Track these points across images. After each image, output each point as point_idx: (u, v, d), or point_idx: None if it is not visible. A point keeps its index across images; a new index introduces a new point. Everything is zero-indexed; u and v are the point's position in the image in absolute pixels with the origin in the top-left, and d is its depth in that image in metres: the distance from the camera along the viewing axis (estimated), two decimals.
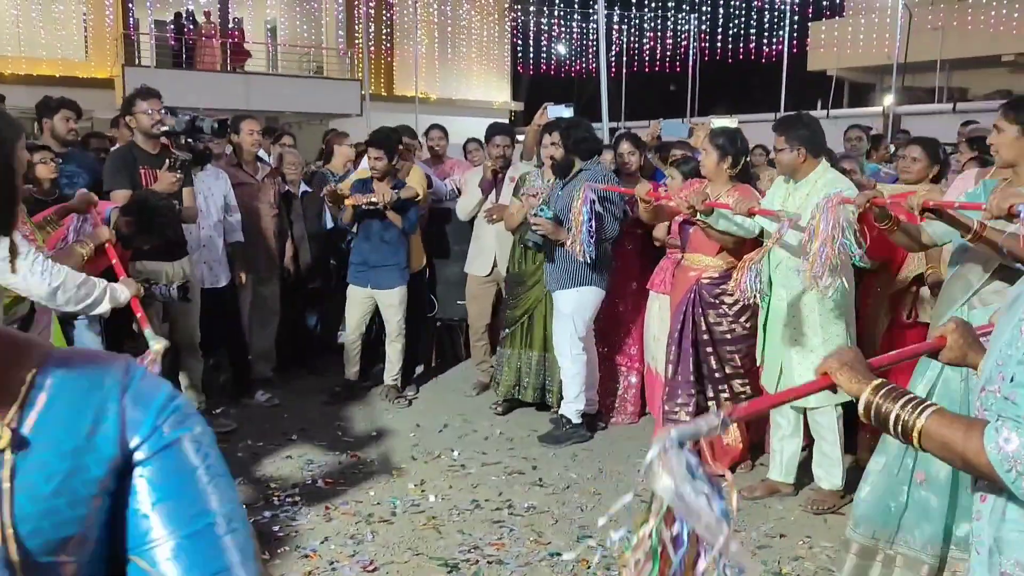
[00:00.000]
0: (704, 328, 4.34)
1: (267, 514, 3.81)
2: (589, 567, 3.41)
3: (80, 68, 17.48)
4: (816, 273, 3.30)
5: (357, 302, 5.48)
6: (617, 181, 4.83)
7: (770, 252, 3.80)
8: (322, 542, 3.57)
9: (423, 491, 4.14)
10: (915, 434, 1.39)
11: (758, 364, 4.14)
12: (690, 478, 1.12)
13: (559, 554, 3.49)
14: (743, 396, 4.33)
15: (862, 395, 1.46)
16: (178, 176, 4.32)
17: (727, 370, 4.36)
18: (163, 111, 4.42)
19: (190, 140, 4.45)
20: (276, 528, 3.69)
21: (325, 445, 4.71)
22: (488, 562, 3.43)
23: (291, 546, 3.53)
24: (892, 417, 1.42)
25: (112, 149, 5.29)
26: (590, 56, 22.57)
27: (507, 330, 5.26)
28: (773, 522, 3.84)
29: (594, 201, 4.46)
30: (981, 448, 1.31)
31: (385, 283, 5.36)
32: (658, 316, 4.85)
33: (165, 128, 4.38)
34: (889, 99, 19.56)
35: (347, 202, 5.20)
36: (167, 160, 4.34)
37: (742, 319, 4.31)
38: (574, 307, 4.77)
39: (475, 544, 3.58)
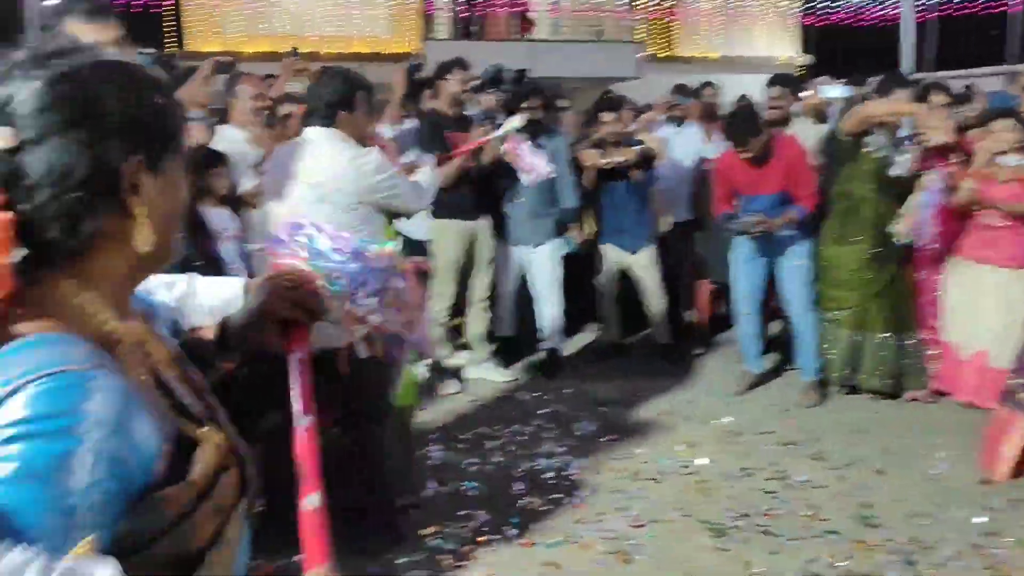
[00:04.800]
0: None
1: (541, 461, 4.00)
2: (866, 546, 3.20)
3: (384, 44, 19.07)
4: None
5: (609, 263, 5.51)
6: None
7: None
8: (590, 494, 3.68)
9: (693, 453, 4.11)
10: None
11: None
12: None
13: (837, 532, 3.31)
14: None
15: None
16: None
17: None
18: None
19: (493, 90, 4.69)
20: (549, 475, 3.85)
21: (598, 400, 4.83)
22: (759, 531, 3.34)
23: (561, 494, 3.68)
24: None
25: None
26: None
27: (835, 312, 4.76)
28: None
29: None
30: None
31: (633, 244, 5.35)
32: (993, 292, 4.39)
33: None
34: None
35: (591, 163, 5.18)
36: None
37: None
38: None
39: (744, 512, 3.50)
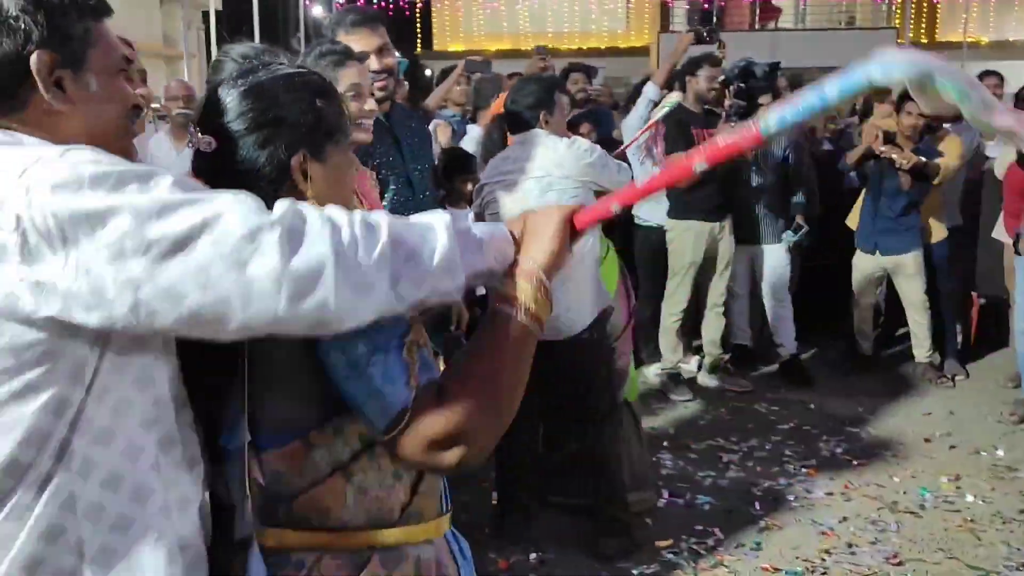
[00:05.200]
0: None
1: (782, 481, 3.76)
2: None
3: (621, 38, 19.02)
4: None
5: (866, 269, 5.06)
6: None
7: None
8: (840, 521, 3.40)
9: (958, 487, 3.69)
10: None
11: None
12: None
13: None
14: None
15: None
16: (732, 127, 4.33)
17: None
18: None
19: (742, 85, 4.49)
20: (791, 497, 3.61)
21: (844, 418, 4.48)
22: None
23: (806, 519, 3.43)
24: None
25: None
26: None
27: None
28: None
29: None
30: None
31: (896, 249, 4.87)
32: None
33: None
34: None
35: (885, 151, 4.74)
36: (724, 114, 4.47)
37: None
38: None
39: None
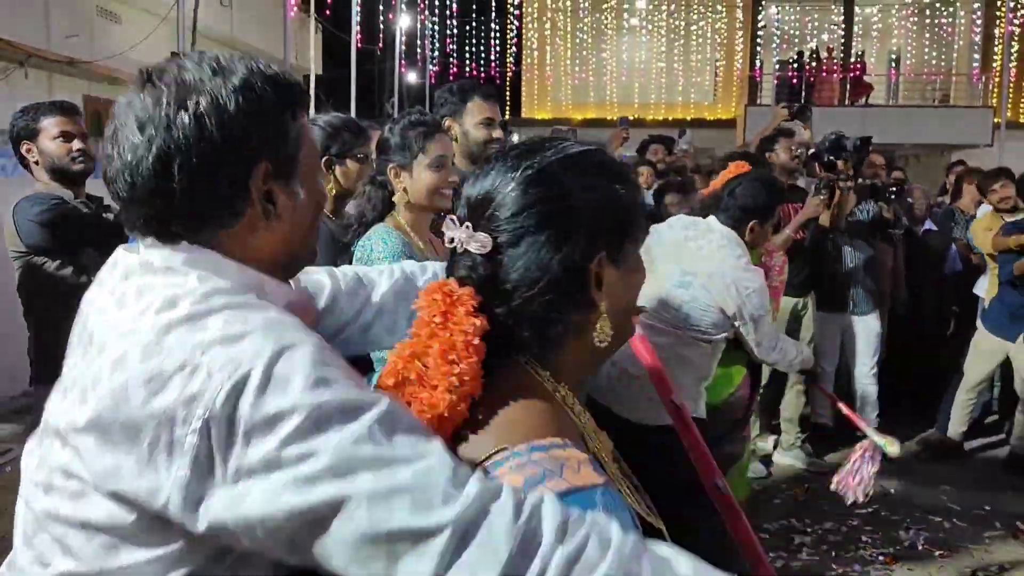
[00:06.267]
0: None
1: (857, 567, 3.63)
2: None
3: (708, 110, 19.14)
4: None
5: (988, 353, 4.90)
6: None
7: None
8: None
9: None
10: None
11: None
12: None
13: None
14: None
15: None
16: (822, 198, 4.29)
17: None
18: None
19: (831, 158, 4.48)
20: None
21: (927, 506, 4.31)
22: None
23: None
24: None
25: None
26: None
27: None
28: None
29: None
30: None
31: (1016, 332, 4.69)
32: None
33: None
34: None
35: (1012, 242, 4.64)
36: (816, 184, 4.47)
37: None
38: None
39: None
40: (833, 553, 3.78)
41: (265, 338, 0.82)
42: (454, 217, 0.94)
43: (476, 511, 0.75)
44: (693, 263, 2.78)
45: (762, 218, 2.85)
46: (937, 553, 3.80)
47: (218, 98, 0.89)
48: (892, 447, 2.66)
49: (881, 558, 3.73)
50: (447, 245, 0.94)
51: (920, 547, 3.86)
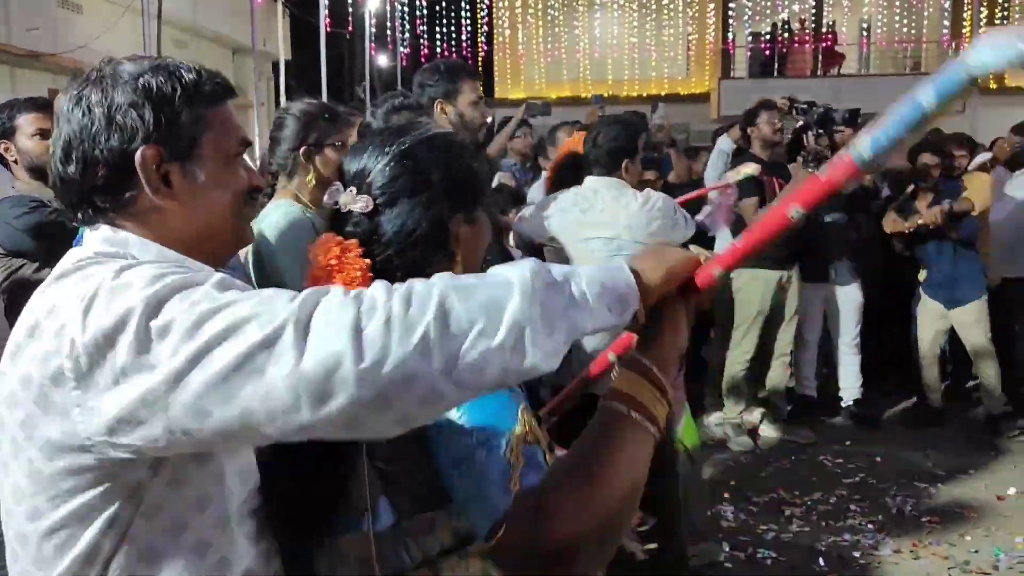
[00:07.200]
0: None
1: (848, 537, 3.66)
2: None
3: (681, 85, 19.12)
4: None
5: (931, 319, 4.95)
6: None
7: None
8: None
9: None
10: None
11: None
12: None
13: None
14: None
15: None
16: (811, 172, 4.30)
17: None
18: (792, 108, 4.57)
19: (821, 131, 4.46)
20: (857, 554, 3.51)
21: (912, 472, 4.35)
22: None
23: None
24: None
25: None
26: None
27: None
28: None
29: None
30: None
31: (957, 298, 4.78)
32: None
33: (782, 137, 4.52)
34: None
35: (891, 230, 4.73)
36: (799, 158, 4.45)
37: None
38: None
39: None
40: (823, 523, 3.80)
41: (109, 268, 0.93)
42: (339, 184, 1.14)
43: (312, 303, 0.84)
44: (607, 228, 2.88)
45: (631, 155, 2.98)
46: (924, 519, 3.83)
47: (106, 91, 1.01)
48: (748, 168, 3.05)
49: (870, 526, 3.76)
50: (330, 206, 1.14)
51: (907, 514, 3.90)
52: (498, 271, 0.90)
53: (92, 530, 0.94)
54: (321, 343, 0.81)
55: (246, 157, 1.15)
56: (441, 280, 0.87)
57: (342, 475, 1.06)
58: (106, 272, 0.93)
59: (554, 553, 0.92)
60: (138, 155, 1.01)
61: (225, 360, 0.83)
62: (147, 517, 0.95)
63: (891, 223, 4.89)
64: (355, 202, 1.11)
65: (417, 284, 0.86)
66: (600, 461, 0.94)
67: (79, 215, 1.05)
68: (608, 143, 2.98)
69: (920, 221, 4.69)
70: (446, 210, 1.12)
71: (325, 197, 1.15)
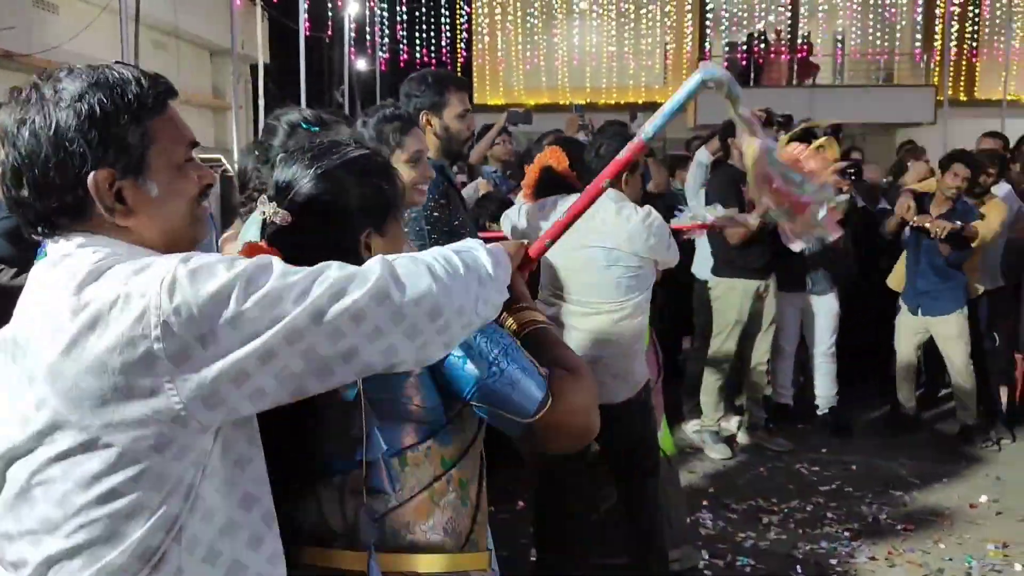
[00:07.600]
0: None
1: (824, 544, 3.70)
2: None
3: (659, 93, 19.21)
4: None
5: (909, 330, 5.02)
6: None
7: None
8: None
9: (1006, 556, 3.59)
10: None
11: None
12: None
13: None
14: None
15: None
16: None
17: None
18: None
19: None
20: (833, 562, 3.55)
21: (887, 480, 4.40)
22: None
23: None
24: None
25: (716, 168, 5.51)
26: None
27: None
28: None
29: None
30: None
31: (938, 309, 4.84)
32: None
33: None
34: None
35: (918, 221, 4.73)
36: None
37: None
38: None
39: None
40: (800, 531, 3.84)
41: (168, 258, 1.00)
42: (266, 196, 1.32)
43: (387, 262, 1.08)
44: (608, 238, 2.90)
45: (632, 169, 2.99)
46: (898, 526, 3.88)
47: (50, 114, 1.01)
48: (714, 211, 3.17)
49: (846, 533, 3.80)
50: (258, 216, 1.33)
51: (883, 521, 3.94)
52: (459, 245, 1.23)
53: (162, 495, 1.01)
54: (415, 282, 1.06)
55: (195, 154, 1.16)
56: (444, 250, 1.18)
57: (343, 409, 1.24)
58: (169, 261, 0.99)
59: (585, 407, 1.33)
60: (90, 180, 1.02)
61: (361, 300, 1.02)
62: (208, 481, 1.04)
63: (903, 207, 4.81)
64: (276, 215, 1.28)
65: (435, 248, 1.18)
66: (563, 353, 1.38)
67: (38, 230, 1.07)
68: (611, 155, 2.88)
69: (926, 224, 4.67)
70: (357, 224, 1.31)
71: (257, 204, 1.34)
